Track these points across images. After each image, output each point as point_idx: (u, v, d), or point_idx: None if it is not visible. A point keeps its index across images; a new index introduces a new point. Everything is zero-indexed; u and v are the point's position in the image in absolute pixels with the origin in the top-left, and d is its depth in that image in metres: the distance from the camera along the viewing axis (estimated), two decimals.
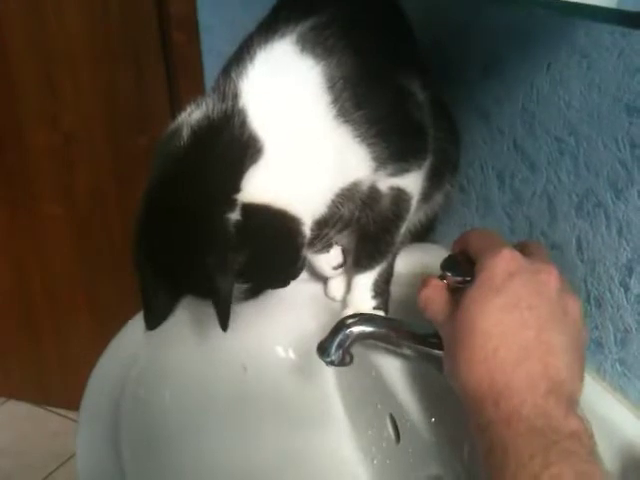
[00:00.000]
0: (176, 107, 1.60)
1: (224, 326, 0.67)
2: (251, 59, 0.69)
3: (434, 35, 0.88)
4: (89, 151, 1.69)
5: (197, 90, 1.55)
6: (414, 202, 0.82)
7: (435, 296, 0.61)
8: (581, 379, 0.54)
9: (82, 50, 1.57)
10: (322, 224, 0.75)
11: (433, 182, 0.85)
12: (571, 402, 0.51)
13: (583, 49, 0.65)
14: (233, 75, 0.68)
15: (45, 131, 1.65)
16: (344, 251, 0.86)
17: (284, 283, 0.77)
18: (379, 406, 0.78)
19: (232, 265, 0.66)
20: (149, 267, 0.72)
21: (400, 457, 0.74)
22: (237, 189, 0.66)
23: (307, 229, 0.72)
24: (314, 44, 0.69)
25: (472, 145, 0.86)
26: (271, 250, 0.71)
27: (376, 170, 0.74)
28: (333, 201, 0.73)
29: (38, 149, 1.68)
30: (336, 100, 0.68)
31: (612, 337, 0.66)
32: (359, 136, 0.70)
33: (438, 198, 0.91)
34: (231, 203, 0.66)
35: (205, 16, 1.49)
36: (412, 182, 0.80)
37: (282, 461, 0.82)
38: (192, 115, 0.68)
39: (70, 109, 1.64)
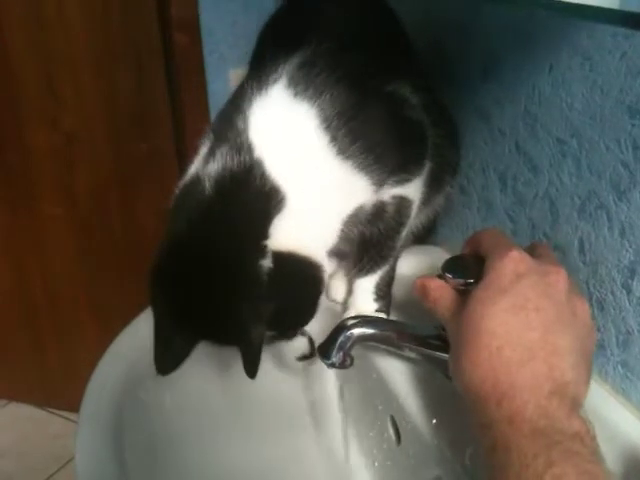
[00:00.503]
0: (177, 108, 1.60)
1: (253, 374, 0.66)
2: (250, 109, 0.70)
3: (434, 36, 0.88)
4: (90, 152, 1.69)
5: (198, 91, 1.55)
6: (415, 207, 0.82)
7: (443, 294, 0.61)
8: (587, 381, 0.54)
9: (83, 51, 1.57)
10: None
11: (433, 186, 0.86)
12: (575, 404, 0.51)
13: (585, 51, 0.65)
14: (239, 125, 0.69)
15: (46, 132, 1.65)
16: (339, 255, 0.86)
17: (298, 328, 0.77)
18: (380, 408, 0.78)
19: (264, 313, 0.67)
20: (168, 312, 0.71)
21: (401, 459, 0.74)
22: (267, 236, 0.67)
23: (326, 275, 0.74)
24: (305, 85, 0.70)
25: (473, 147, 0.86)
26: (296, 297, 0.72)
27: (377, 191, 0.76)
28: (342, 230, 0.75)
29: (39, 150, 1.68)
30: (334, 138, 0.70)
31: (614, 339, 0.66)
32: (358, 167, 0.72)
33: (438, 200, 0.92)
34: (262, 250, 0.67)
35: (207, 18, 1.49)
36: (413, 189, 0.80)
37: (283, 463, 0.82)
38: (209, 167, 0.69)
39: (71, 110, 1.63)
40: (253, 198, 0.67)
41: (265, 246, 0.67)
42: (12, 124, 1.66)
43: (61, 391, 1.96)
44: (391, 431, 0.76)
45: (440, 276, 0.63)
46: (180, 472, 0.77)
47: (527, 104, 0.74)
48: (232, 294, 0.66)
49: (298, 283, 0.71)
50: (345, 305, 0.87)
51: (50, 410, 2.04)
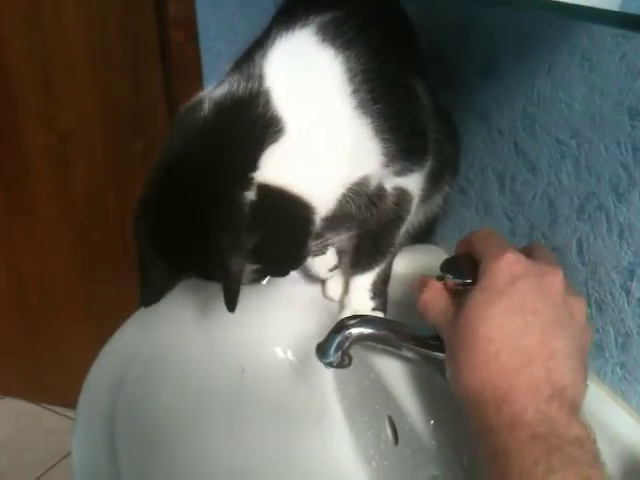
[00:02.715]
0: (174, 107, 1.60)
1: (232, 307, 0.66)
2: (273, 45, 0.69)
3: (434, 37, 0.87)
4: (86, 151, 1.68)
5: (195, 90, 1.54)
6: (414, 203, 0.82)
7: (436, 298, 0.61)
8: (584, 384, 0.54)
9: (80, 49, 1.56)
10: (330, 221, 0.75)
11: (433, 184, 0.85)
12: (574, 407, 0.50)
13: (585, 51, 0.64)
14: (257, 58, 0.68)
15: (42, 132, 1.65)
16: (338, 253, 0.85)
17: (285, 271, 0.76)
18: (377, 408, 0.78)
19: (244, 245, 0.65)
20: (152, 240, 0.70)
21: (398, 459, 0.74)
22: (255, 167, 0.65)
23: (318, 218, 0.71)
24: (334, 36, 0.70)
25: (472, 147, 0.86)
26: (281, 234, 0.70)
27: (385, 166, 0.74)
28: (344, 195, 0.73)
29: (35, 150, 1.68)
30: (356, 91, 0.69)
31: (613, 341, 0.66)
32: (375, 129, 0.71)
33: (437, 200, 0.92)
34: (248, 182, 0.65)
35: (204, 16, 1.49)
36: (414, 182, 0.80)
37: (279, 462, 0.82)
38: (215, 91, 0.68)
39: (67, 108, 1.63)
40: (249, 124, 0.66)
41: (252, 177, 0.65)
42: (8, 123, 1.65)
43: (56, 387, 1.96)
44: (389, 431, 0.76)
45: (440, 277, 0.63)
46: (176, 470, 0.77)
47: (526, 104, 0.74)
48: (210, 224, 0.65)
49: (284, 219, 0.69)
50: (341, 303, 0.87)
51: (45, 405, 2.04)
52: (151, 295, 0.72)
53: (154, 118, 1.63)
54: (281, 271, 0.76)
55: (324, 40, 0.69)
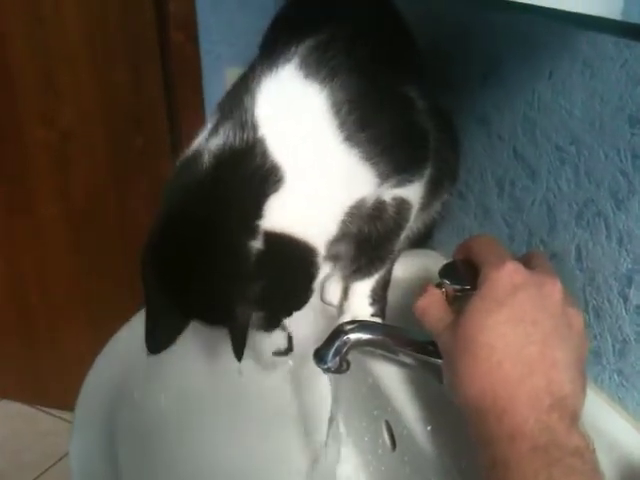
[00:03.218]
0: (173, 106, 1.60)
1: (239, 356, 0.67)
2: (259, 87, 0.69)
3: (434, 41, 0.87)
4: (87, 150, 1.68)
5: (195, 89, 1.54)
6: (414, 211, 0.82)
7: (432, 305, 0.61)
8: (583, 393, 0.53)
9: (80, 48, 1.57)
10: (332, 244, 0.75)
11: (432, 191, 0.85)
12: (574, 417, 0.50)
13: (586, 58, 0.64)
14: (246, 103, 0.69)
15: (43, 130, 1.65)
16: (335, 259, 0.85)
17: (289, 313, 0.76)
18: (375, 413, 0.78)
19: (251, 293, 0.66)
20: (160, 290, 0.70)
21: (395, 464, 0.74)
22: (260, 215, 0.66)
23: (321, 261, 0.72)
24: (317, 67, 0.70)
25: (471, 152, 0.86)
26: (287, 280, 0.71)
27: (380, 186, 0.75)
28: (343, 221, 0.73)
29: (36, 148, 1.68)
30: (343, 124, 0.69)
31: (610, 347, 0.66)
32: (364, 156, 0.71)
33: (436, 206, 0.91)
34: (254, 230, 0.66)
35: (204, 16, 1.49)
36: (413, 192, 0.80)
37: (276, 465, 0.82)
38: (211, 141, 0.69)
39: (68, 107, 1.63)
40: (250, 175, 0.66)
41: (257, 225, 0.66)
42: (9, 121, 1.65)
43: (53, 389, 1.96)
44: (386, 436, 0.76)
45: (439, 284, 0.63)
46: (175, 472, 0.77)
47: (526, 110, 0.74)
48: (218, 273, 0.66)
49: (290, 265, 0.70)
50: (340, 308, 0.86)
51: (42, 408, 2.03)
52: (159, 342, 0.72)
53: (154, 117, 1.63)
54: (285, 313, 0.76)
55: (307, 75, 0.69)
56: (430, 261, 0.89)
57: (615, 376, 0.66)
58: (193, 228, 0.67)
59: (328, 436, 0.73)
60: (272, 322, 0.75)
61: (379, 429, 0.77)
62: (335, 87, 0.69)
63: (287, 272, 0.70)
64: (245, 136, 0.67)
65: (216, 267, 0.66)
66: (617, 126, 0.62)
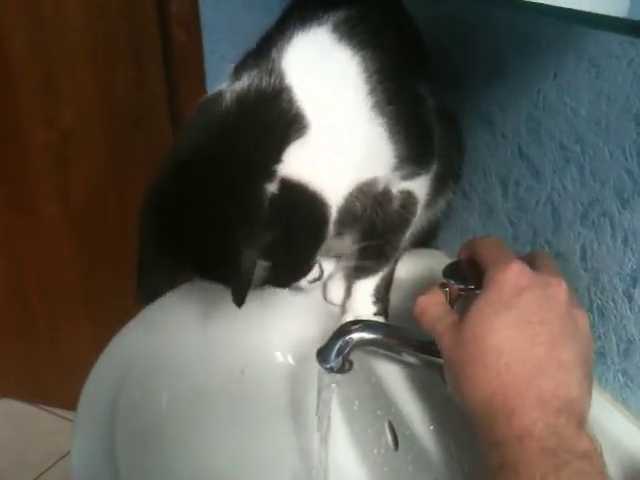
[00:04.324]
0: (175, 106, 1.59)
1: (240, 301, 0.64)
2: (290, 42, 0.69)
3: (439, 41, 0.87)
4: (87, 149, 1.68)
5: (197, 89, 1.54)
6: (420, 206, 0.82)
7: (433, 304, 0.60)
8: (590, 395, 0.53)
9: (81, 47, 1.56)
10: (336, 224, 0.73)
11: (437, 189, 0.85)
12: (581, 420, 0.50)
13: (592, 57, 0.64)
14: (274, 54, 0.68)
15: (44, 129, 1.64)
16: (339, 257, 0.84)
17: (293, 271, 0.75)
18: (378, 412, 0.78)
19: (260, 240, 0.64)
20: (158, 232, 0.68)
21: (398, 464, 0.74)
22: (279, 160, 0.65)
23: (333, 218, 0.71)
24: (349, 35, 0.70)
25: (476, 151, 0.86)
26: (298, 232, 0.69)
27: (394, 169, 0.75)
28: (351, 194, 0.72)
29: (36, 148, 1.67)
30: (373, 91, 0.69)
31: (615, 347, 0.66)
32: (388, 130, 0.71)
33: (440, 204, 0.91)
34: (271, 174, 0.65)
35: (207, 15, 1.48)
36: (420, 186, 0.80)
37: (278, 465, 0.82)
38: (235, 85, 0.68)
39: (69, 107, 1.63)
40: (275, 118, 0.65)
41: (275, 170, 0.65)
42: (10, 121, 1.65)
43: (54, 388, 1.95)
44: (389, 436, 0.76)
45: (443, 284, 0.62)
46: (175, 471, 0.77)
47: (531, 109, 0.74)
48: (228, 214, 0.64)
49: (303, 216, 0.68)
50: (343, 308, 0.86)
51: (43, 407, 2.03)
52: (148, 292, 0.71)
53: (155, 117, 1.63)
54: (289, 277, 0.75)
55: (340, 39, 0.69)
56: (434, 261, 0.88)
57: (619, 376, 0.66)
58: (206, 168, 0.65)
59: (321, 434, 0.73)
60: (278, 279, 0.72)
61: (382, 429, 0.77)
62: (367, 56, 0.69)
63: (299, 223, 0.68)
64: (272, 81, 0.66)
65: (227, 207, 0.64)
66: (623, 125, 0.62)
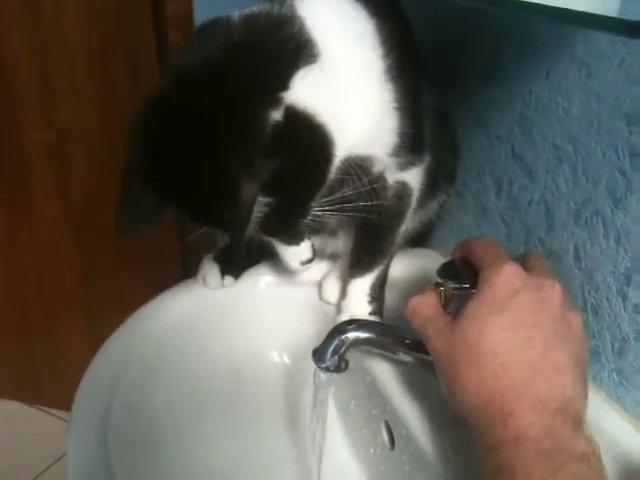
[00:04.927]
0: None
1: (240, 234, 0.61)
2: None
3: (432, 42, 0.87)
4: (85, 150, 1.68)
5: None
6: (414, 198, 0.82)
7: (425, 305, 0.60)
8: (585, 396, 0.53)
9: (78, 48, 1.56)
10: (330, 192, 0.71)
11: (429, 190, 0.85)
12: (578, 421, 0.50)
13: (583, 57, 0.64)
14: None
15: (40, 129, 1.64)
16: (314, 248, 0.81)
17: (289, 222, 0.71)
18: (374, 412, 0.78)
19: (261, 169, 0.59)
20: (146, 158, 0.65)
21: (394, 464, 0.74)
22: (285, 87, 0.62)
23: (336, 156, 0.67)
24: (365, 2, 0.68)
25: (469, 151, 0.86)
26: (300, 166, 0.64)
27: (392, 154, 0.73)
28: (344, 163, 0.70)
29: (34, 148, 1.67)
30: (387, 56, 0.68)
31: (609, 346, 0.66)
32: (395, 101, 0.70)
33: (433, 206, 0.91)
34: (276, 100, 0.61)
35: (202, 15, 1.48)
36: (414, 176, 0.80)
37: (274, 466, 0.82)
38: (243, 12, 0.65)
39: (66, 107, 1.63)
40: (284, 40, 0.62)
41: (281, 97, 0.61)
42: (7, 121, 1.64)
43: (51, 389, 1.95)
44: (385, 436, 0.76)
45: (438, 284, 0.62)
46: (171, 472, 0.77)
47: (523, 109, 0.74)
48: (227, 140, 0.60)
49: (307, 148, 0.64)
50: (338, 307, 0.86)
51: (40, 407, 2.03)
52: (129, 223, 0.66)
53: None
54: (287, 217, 0.69)
55: (358, 1, 0.68)
56: (428, 260, 0.89)
57: (614, 375, 0.66)
58: (209, 84, 0.61)
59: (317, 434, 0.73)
60: (274, 221, 0.67)
61: (378, 428, 0.77)
62: (382, 24, 0.68)
63: (302, 155, 0.64)
64: (283, 10, 0.64)
65: (225, 133, 0.60)
66: (614, 124, 0.62)
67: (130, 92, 1.61)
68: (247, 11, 0.65)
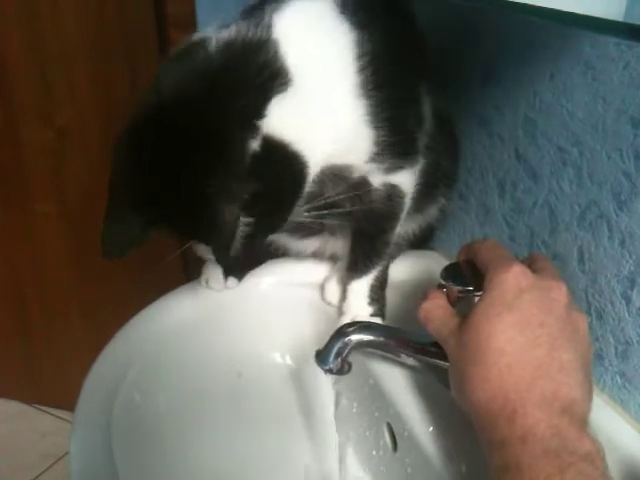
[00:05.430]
0: None
1: (225, 261, 0.64)
2: (289, 2, 0.68)
3: (436, 42, 0.87)
4: (83, 148, 1.68)
5: None
6: (408, 200, 0.81)
7: (436, 309, 0.61)
8: (591, 397, 0.53)
9: (78, 48, 1.56)
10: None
11: (426, 194, 0.85)
12: (583, 422, 0.50)
13: (588, 59, 0.64)
14: (267, 9, 0.67)
15: (39, 129, 1.64)
16: (333, 258, 0.84)
17: (268, 229, 0.72)
18: (376, 414, 0.78)
19: (240, 195, 0.62)
20: (126, 183, 0.65)
21: (397, 466, 0.74)
22: (261, 115, 0.63)
23: (311, 173, 0.69)
24: (352, 12, 0.69)
25: (473, 152, 0.86)
26: (276, 189, 0.67)
27: (372, 161, 0.73)
28: (319, 175, 0.71)
29: (32, 147, 1.67)
30: (361, 71, 0.68)
31: (613, 349, 0.66)
32: (370, 115, 0.70)
33: (432, 211, 0.91)
34: (254, 129, 0.63)
35: (203, 15, 1.48)
36: (405, 179, 0.79)
37: (276, 467, 0.82)
38: (220, 33, 0.66)
39: (64, 106, 1.62)
40: (258, 68, 0.64)
41: (258, 125, 0.63)
42: (5, 119, 1.64)
43: (51, 388, 1.95)
44: (387, 438, 0.76)
45: (441, 285, 0.62)
46: (173, 473, 0.77)
47: (527, 111, 0.74)
48: (209, 166, 0.61)
49: (283, 175, 0.66)
50: (340, 309, 0.86)
51: (40, 407, 2.03)
52: (116, 245, 0.67)
53: None
54: (263, 232, 0.71)
55: (342, 12, 0.69)
56: (431, 262, 0.89)
57: (617, 378, 0.66)
58: (186, 114, 0.62)
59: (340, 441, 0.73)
60: (254, 235, 0.67)
61: (380, 430, 0.77)
62: (364, 35, 0.68)
63: (279, 180, 0.66)
64: (259, 33, 0.65)
65: (207, 159, 0.61)
66: (620, 127, 0.62)
67: (129, 91, 1.61)
68: (224, 35, 0.66)
